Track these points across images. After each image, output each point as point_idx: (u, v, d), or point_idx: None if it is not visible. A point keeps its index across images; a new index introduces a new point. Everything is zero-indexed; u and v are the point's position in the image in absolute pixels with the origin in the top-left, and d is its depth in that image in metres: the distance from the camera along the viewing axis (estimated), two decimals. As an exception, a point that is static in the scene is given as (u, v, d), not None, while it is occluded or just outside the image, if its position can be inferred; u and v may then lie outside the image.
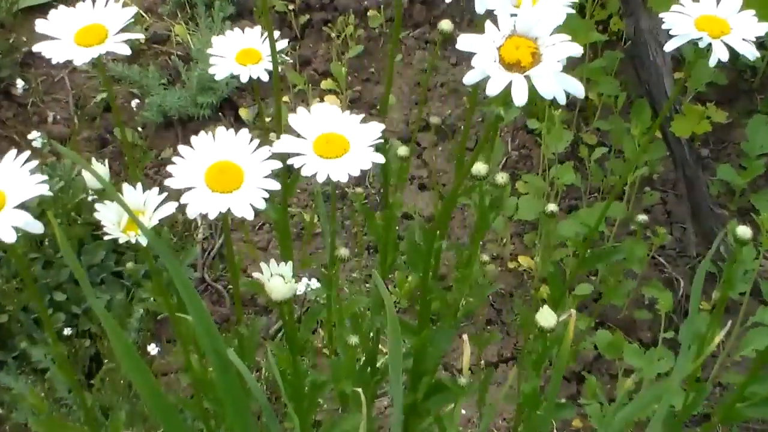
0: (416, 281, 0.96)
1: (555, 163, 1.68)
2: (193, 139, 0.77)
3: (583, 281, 1.68)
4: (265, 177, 0.75)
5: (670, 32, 0.91)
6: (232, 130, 0.78)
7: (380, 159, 0.78)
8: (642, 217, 1.01)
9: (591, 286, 1.57)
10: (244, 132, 0.78)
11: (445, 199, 0.90)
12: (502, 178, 0.88)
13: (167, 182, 0.74)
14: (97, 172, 0.76)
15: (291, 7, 2.13)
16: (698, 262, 1.70)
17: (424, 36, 2.12)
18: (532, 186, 1.69)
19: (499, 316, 1.70)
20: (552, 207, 1.02)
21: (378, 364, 1.05)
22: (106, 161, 0.99)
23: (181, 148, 0.76)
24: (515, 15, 0.73)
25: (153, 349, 1.49)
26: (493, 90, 0.69)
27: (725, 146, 1.83)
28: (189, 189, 0.74)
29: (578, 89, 0.71)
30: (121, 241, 0.79)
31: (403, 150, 0.99)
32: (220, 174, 0.75)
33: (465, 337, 1.06)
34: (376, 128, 0.80)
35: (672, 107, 1.58)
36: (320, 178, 0.76)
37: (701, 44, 0.90)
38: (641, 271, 1.65)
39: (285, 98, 1.97)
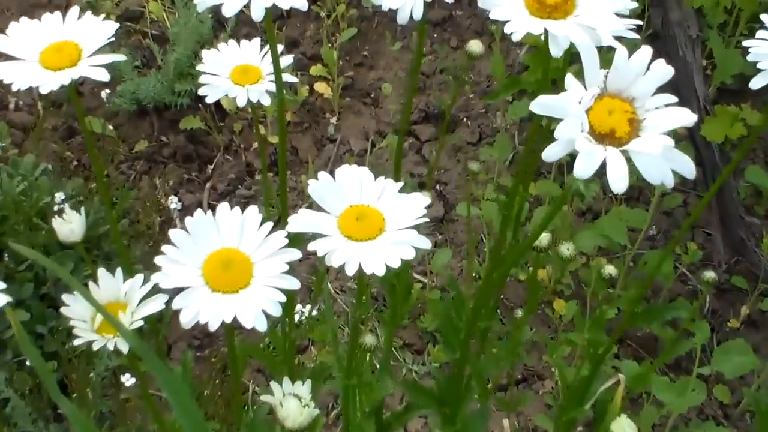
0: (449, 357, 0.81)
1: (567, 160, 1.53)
2: (189, 221, 0.61)
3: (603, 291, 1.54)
4: (282, 273, 0.59)
5: (759, 65, 0.76)
6: (237, 209, 0.61)
7: (426, 244, 0.63)
8: (710, 275, 0.87)
9: (614, 311, 1.43)
10: (253, 211, 0.62)
11: (495, 272, 0.74)
12: (567, 249, 0.73)
13: (155, 279, 0.58)
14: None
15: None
16: (724, 272, 1.57)
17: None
18: (543, 191, 1.55)
19: (506, 328, 1.56)
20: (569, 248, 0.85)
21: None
22: (82, 209, 0.83)
23: (173, 233, 0.60)
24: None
25: (128, 380, 1.33)
26: (583, 171, 0.54)
27: (754, 146, 1.69)
28: (184, 289, 0.58)
29: (689, 168, 0.56)
30: (95, 346, 0.62)
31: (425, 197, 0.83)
32: (222, 268, 0.59)
33: (506, 424, 0.91)
34: (419, 201, 0.64)
35: (702, 108, 1.44)
36: (350, 270, 0.60)
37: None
38: (669, 286, 1.51)
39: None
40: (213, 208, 1.80)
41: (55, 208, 1.45)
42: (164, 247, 0.59)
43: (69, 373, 1.39)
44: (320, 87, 1.80)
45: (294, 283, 0.59)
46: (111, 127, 1.77)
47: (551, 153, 0.55)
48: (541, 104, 0.55)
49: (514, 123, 1.76)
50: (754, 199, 1.66)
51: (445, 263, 1.54)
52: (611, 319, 1.49)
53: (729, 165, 0.85)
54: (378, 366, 0.97)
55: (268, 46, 0.88)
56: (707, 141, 1.44)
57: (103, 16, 0.76)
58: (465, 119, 1.79)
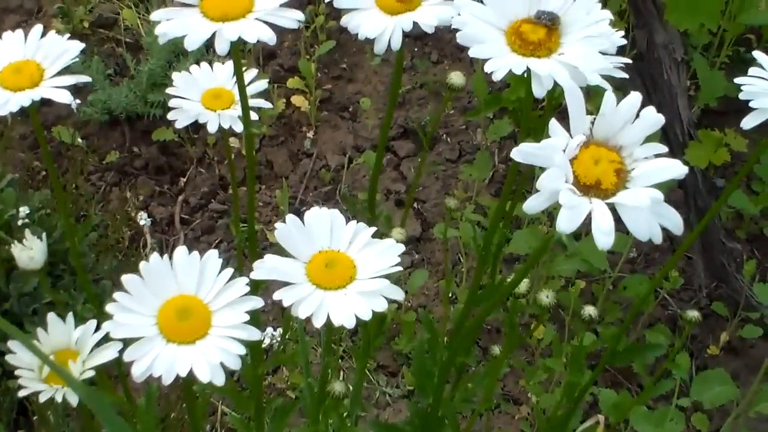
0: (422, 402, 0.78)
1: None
2: (143, 266, 0.57)
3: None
4: (243, 323, 0.55)
5: (751, 104, 0.73)
6: (195, 253, 0.58)
7: (399, 295, 0.59)
8: (693, 314, 0.84)
9: (592, 335, 1.41)
10: (213, 255, 0.58)
11: (472, 318, 0.71)
12: (547, 297, 0.70)
13: (106, 328, 0.54)
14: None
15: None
16: (704, 297, 1.55)
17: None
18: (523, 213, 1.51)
19: (485, 355, 1.53)
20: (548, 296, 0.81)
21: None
22: (44, 236, 0.79)
23: (126, 279, 0.56)
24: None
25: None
26: (567, 226, 0.51)
27: (736, 169, 1.67)
28: (137, 339, 0.54)
29: (677, 224, 0.52)
30: (42, 398, 0.58)
31: (398, 234, 0.80)
32: (179, 316, 0.55)
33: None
34: (393, 248, 0.60)
35: (686, 132, 1.41)
36: (318, 322, 0.57)
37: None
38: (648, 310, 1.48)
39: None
40: (185, 222, 1.74)
41: (20, 222, 1.40)
42: (116, 294, 0.55)
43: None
44: (297, 100, 1.76)
45: (255, 334, 0.55)
46: (81, 138, 1.73)
47: (532, 205, 0.52)
48: (523, 152, 0.52)
49: (495, 141, 1.73)
50: (736, 222, 1.64)
51: (422, 284, 1.50)
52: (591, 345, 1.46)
53: (717, 201, 0.82)
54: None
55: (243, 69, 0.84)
56: (690, 165, 1.41)
57: (68, 35, 0.73)
58: (445, 135, 1.75)
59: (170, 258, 0.58)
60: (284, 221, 0.63)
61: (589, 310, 0.78)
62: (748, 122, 0.71)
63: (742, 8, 1.57)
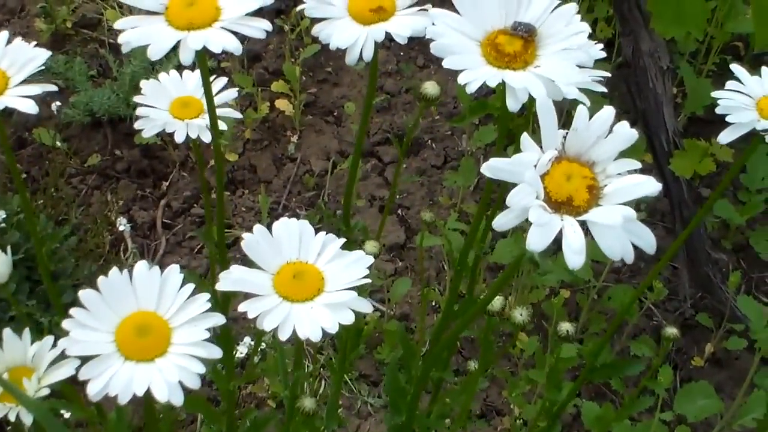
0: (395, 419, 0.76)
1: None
2: (101, 281, 0.55)
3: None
4: (203, 339, 0.54)
5: (727, 119, 0.72)
6: (156, 268, 0.56)
7: (367, 308, 0.57)
8: (671, 331, 0.82)
9: (575, 347, 1.39)
10: (174, 270, 0.56)
11: (446, 334, 0.69)
12: (521, 315, 0.68)
13: (62, 345, 0.52)
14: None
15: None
16: (690, 308, 1.53)
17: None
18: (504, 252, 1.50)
19: (466, 364, 1.51)
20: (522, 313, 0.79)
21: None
22: (8, 249, 0.77)
23: (84, 294, 0.54)
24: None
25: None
26: (537, 244, 0.49)
27: (721, 178, 1.65)
28: (93, 357, 0.52)
29: (649, 243, 0.51)
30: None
31: (372, 246, 0.78)
32: (137, 333, 0.53)
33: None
34: (362, 261, 0.59)
35: (672, 141, 1.40)
36: (284, 335, 0.56)
37: (768, 138, 0.71)
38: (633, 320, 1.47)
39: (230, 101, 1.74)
40: (167, 226, 1.73)
41: (-2, 226, 1.38)
42: (73, 310, 0.53)
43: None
44: (281, 104, 1.75)
45: (215, 352, 0.54)
46: (62, 140, 1.70)
47: (502, 222, 0.50)
48: (493, 168, 0.51)
49: (480, 147, 1.71)
50: (722, 232, 1.63)
51: (405, 293, 1.48)
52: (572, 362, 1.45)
53: (701, 210, 0.81)
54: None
55: (213, 77, 0.83)
56: (676, 175, 1.40)
57: (34, 42, 0.71)
58: (430, 141, 1.74)
59: (157, 266, 0.57)
60: (255, 230, 0.61)
61: (566, 326, 0.76)
62: (725, 137, 0.70)
63: (729, 16, 1.56)
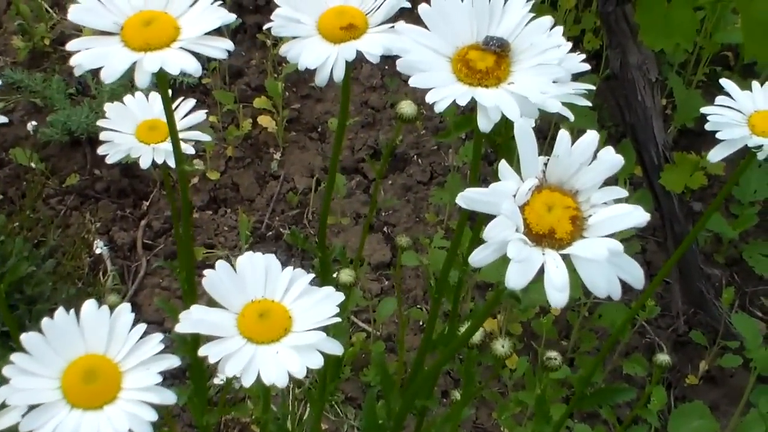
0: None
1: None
2: (46, 323, 0.51)
3: (553, 346, 1.47)
4: (155, 384, 0.50)
5: (718, 135, 0.68)
6: (105, 308, 0.52)
7: (338, 349, 0.54)
8: (663, 358, 0.79)
9: (566, 370, 1.35)
10: (124, 310, 0.52)
11: (427, 368, 0.65)
12: (502, 347, 0.65)
13: (2, 395, 0.49)
14: None
15: (235, 15, 1.85)
16: (683, 324, 1.50)
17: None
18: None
19: (456, 386, 1.47)
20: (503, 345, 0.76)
21: None
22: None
23: (25, 338, 0.50)
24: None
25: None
26: (517, 282, 0.46)
27: (713, 192, 1.62)
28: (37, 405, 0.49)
29: (637, 278, 0.47)
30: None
31: (347, 276, 0.75)
32: (85, 379, 0.50)
33: None
34: (332, 298, 0.55)
35: (662, 155, 1.36)
36: (248, 381, 0.52)
37: (760, 155, 0.68)
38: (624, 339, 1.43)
39: (212, 118, 1.71)
40: (148, 247, 1.68)
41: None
42: (14, 356, 0.49)
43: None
44: (264, 120, 1.71)
45: (168, 398, 0.50)
46: (40, 160, 1.66)
47: (479, 259, 0.47)
48: (468, 199, 0.47)
49: (467, 162, 1.68)
50: (714, 246, 1.59)
51: (391, 313, 1.45)
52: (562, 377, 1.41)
53: (694, 229, 0.77)
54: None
55: (180, 99, 0.79)
56: (666, 189, 1.37)
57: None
58: (415, 157, 1.71)
59: (106, 306, 0.53)
60: (217, 266, 0.58)
61: (552, 355, 0.73)
62: (716, 155, 0.67)
63: (717, 26, 1.53)
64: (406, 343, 1.46)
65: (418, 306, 1.52)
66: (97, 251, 1.51)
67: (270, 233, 1.60)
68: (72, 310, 0.52)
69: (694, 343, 1.47)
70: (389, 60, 1.82)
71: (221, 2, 0.63)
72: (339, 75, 0.63)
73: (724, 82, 0.69)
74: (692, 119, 1.57)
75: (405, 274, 1.56)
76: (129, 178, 1.67)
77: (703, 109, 0.68)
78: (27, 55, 1.80)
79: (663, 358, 0.78)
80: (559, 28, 0.55)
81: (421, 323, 1.51)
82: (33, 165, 1.60)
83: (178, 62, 0.55)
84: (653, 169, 1.38)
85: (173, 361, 0.51)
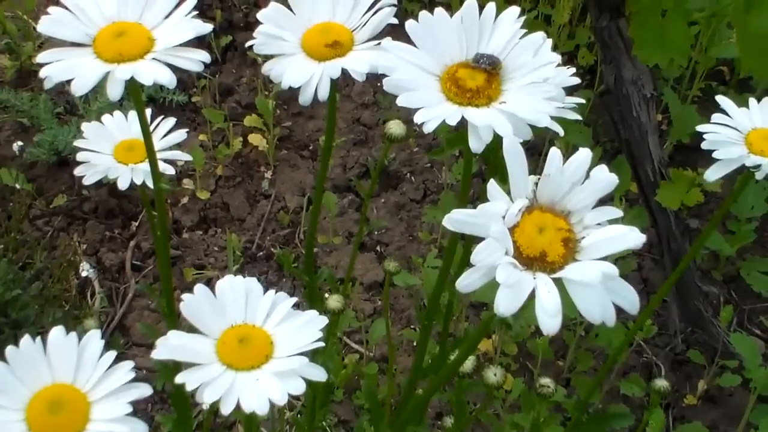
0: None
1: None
2: (10, 351, 0.49)
3: (549, 366, 1.44)
4: (125, 415, 0.48)
5: (715, 154, 0.66)
6: (73, 334, 0.50)
7: (321, 376, 0.51)
8: (661, 384, 0.76)
9: (563, 389, 1.33)
10: (94, 337, 0.50)
11: (415, 396, 0.63)
12: (495, 375, 0.62)
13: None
14: None
15: (211, 26, 1.83)
16: (681, 343, 1.48)
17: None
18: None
19: (451, 410, 1.44)
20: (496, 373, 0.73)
21: None
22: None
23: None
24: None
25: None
26: (507, 308, 0.43)
27: (711, 208, 1.60)
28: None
29: (632, 303, 0.45)
30: None
31: (335, 302, 0.72)
32: (51, 410, 0.47)
33: None
34: (315, 322, 0.53)
35: (658, 171, 1.34)
36: (227, 408, 0.49)
37: (758, 175, 0.66)
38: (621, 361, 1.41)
39: (202, 137, 1.68)
40: (137, 268, 1.65)
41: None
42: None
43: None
44: (255, 138, 1.69)
45: (139, 429, 0.48)
46: (27, 180, 1.64)
47: (467, 284, 0.44)
48: (455, 221, 0.45)
49: (461, 180, 1.65)
50: (712, 263, 1.57)
51: (383, 334, 1.42)
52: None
53: (691, 250, 0.75)
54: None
55: (160, 118, 0.77)
56: (662, 206, 1.35)
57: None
58: (408, 174, 1.68)
59: (74, 332, 0.51)
60: (196, 291, 0.56)
61: (545, 382, 0.70)
62: (713, 174, 0.65)
63: (712, 41, 1.52)
64: (400, 365, 1.44)
65: (412, 326, 1.49)
66: (84, 274, 1.48)
67: (261, 253, 1.57)
68: (38, 338, 0.49)
69: (692, 363, 1.45)
70: (381, 76, 1.79)
71: (207, 19, 0.61)
72: (324, 94, 0.61)
73: (721, 99, 0.67)
74: (688, 135, 1.55)
75: (398, 294, 1.54)
76: (117, 199, 1.65)
77: (700, 127, 0.66)
78: (14, 74, 1.78)
79: (661, 383, 0.76)
80: (549, 41, 0.53)
81: (414, 344, 1.48)
82: (19, 186, 1.58)
83: (151, 73, 0.53)
84: (649, 185, 1.36)
85: (144, 391, 0.49)
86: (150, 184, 0.71)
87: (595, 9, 1.28)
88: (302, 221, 1.62)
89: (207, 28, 0.56)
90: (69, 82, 0.54)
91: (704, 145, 0.65)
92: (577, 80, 0.60)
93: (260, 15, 0.65)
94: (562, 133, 0.52)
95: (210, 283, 1.60)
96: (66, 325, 1.34)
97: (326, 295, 1.06)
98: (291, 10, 0.65)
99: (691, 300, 1.43)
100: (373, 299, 1.53)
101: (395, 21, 0.63)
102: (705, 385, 1.42)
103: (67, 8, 0.57)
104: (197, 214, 1.63)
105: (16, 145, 1.58)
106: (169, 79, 0.53)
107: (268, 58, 1.66)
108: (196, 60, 0.55)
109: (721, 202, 1.58)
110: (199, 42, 1.78)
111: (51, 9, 0.58)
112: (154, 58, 0.54)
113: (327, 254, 1.56)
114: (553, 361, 1.45)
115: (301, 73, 0.61)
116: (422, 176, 1.68)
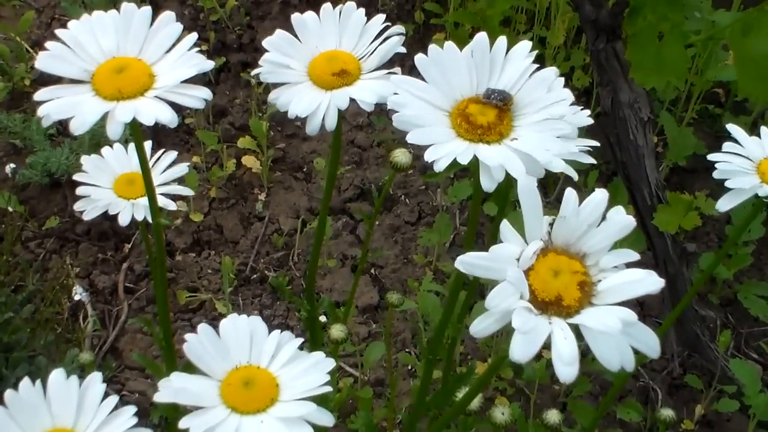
0: None
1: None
2: (9, 395, 0.47)
3: (545, 390, 1.43)
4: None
5: (727, 184, 0.65)
6: (74, 378, 0.48)
7: (329, 420, 0.50)
8: (667, 413, 0.75)
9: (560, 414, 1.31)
10: (95, 380, 0.49)
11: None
12: (502, 414, 0.61)
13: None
14: None
15: (204, 47, 1.83)
16: (678, 366, 1.47)
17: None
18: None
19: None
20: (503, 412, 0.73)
21: None
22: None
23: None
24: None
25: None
26: (522, 354, 0.42)
27: (707, 230, 1.60)
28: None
29: (653, 347, 0.44)
30: None
31: (338, 331, 0.71)
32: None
33: None
34: (322, 365, 0.52)
35: (654, 195, 1.34)
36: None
37: (772, 204, 0.65)
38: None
39: (195, 159, 1.67)
40: (129, 290, 1.63)
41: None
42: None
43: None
44: (248, 160, 1.68)
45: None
46: (20, 202, 1.62)
47: (480, 329, 0.43)
48: (467, 264, 0.44)
49: (455, 202, 1.65)
50: (708, 286, 1.56)
51: (378, 358, 1.41)
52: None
53: (691, 289, 0.74)
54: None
55: (161, 152, 0.76)
56: (659, 229, 1.34)
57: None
58: (403, 197, 1.68)
59: (75, 376, 0.49)
60: (199, 331, 0.54)
61: (553, 415, 0.69)
62: (725, 204, 0.64)
63: (709, 64, 1.51)
64: (396, 388, 1.42)
65: (407, 350, 1.48)
66: (76, 297, 1.47)
67: (255, 276, 1.56)
68: (38, 381, 0.48)
69: (689, 387, 1.44)
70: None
71: (199, 49, 0.60)
72: (331, 124, 0.60)
73: (732, 127, 0.66)
74: (684, 157, 1.54)
75: (393, 317, 1.52)
76: (110, 221, 1.63)
77: (711, 157, 0.65)
78: (6, 96, 1.77)
79: (667, 413, 0.75)
80: (561, 80, 0.52)
81: (410, 367, 1.47)
82: (11, 208, 1.56)
83: (153, 112, 0.52)
84: (646, 209, 1.35)
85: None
86: (151, 219, 0.69)
87: (591, 31, 1.28)
88: (296, 243, 1.60)
89: (209, 65, 0.55)
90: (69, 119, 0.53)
91: (716, 175, 0.64)
92: (590, 121, 0.59)
93: (266, 43, 0.64)
94: (576, 177, 0.51)
95: (203, 307, 1.58)
96: (58, 348, 1.31)
97: (323, 318, 1.05)
98: (297, 37, 0.64)
99: (688, 324, 1.42)
100: (367, 322, 1.52)
101: (403, 50, 0.62)
102: (702, 410, 1.41)
103: (65, 43, 0.56)
104: (190, 236, 1.61)
105: (9, 167, 1.57)
106: (170, 118, 0.52)
107: (261, 80, 1.65)
108: (197, 97, 0.54)
109: (718, 225, 1.57)
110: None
111: (49, 44, 0.57)
112: (155, 96, 0.53)
113: (321, 277, 1.55)
114: (549, 385, 1.44)
115: (307, 103, 0.60)
116: (417, 198, 1.67)
